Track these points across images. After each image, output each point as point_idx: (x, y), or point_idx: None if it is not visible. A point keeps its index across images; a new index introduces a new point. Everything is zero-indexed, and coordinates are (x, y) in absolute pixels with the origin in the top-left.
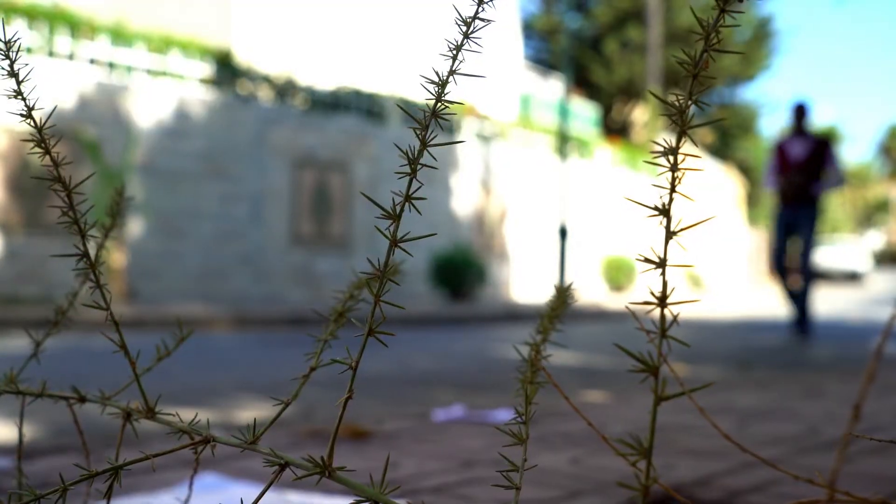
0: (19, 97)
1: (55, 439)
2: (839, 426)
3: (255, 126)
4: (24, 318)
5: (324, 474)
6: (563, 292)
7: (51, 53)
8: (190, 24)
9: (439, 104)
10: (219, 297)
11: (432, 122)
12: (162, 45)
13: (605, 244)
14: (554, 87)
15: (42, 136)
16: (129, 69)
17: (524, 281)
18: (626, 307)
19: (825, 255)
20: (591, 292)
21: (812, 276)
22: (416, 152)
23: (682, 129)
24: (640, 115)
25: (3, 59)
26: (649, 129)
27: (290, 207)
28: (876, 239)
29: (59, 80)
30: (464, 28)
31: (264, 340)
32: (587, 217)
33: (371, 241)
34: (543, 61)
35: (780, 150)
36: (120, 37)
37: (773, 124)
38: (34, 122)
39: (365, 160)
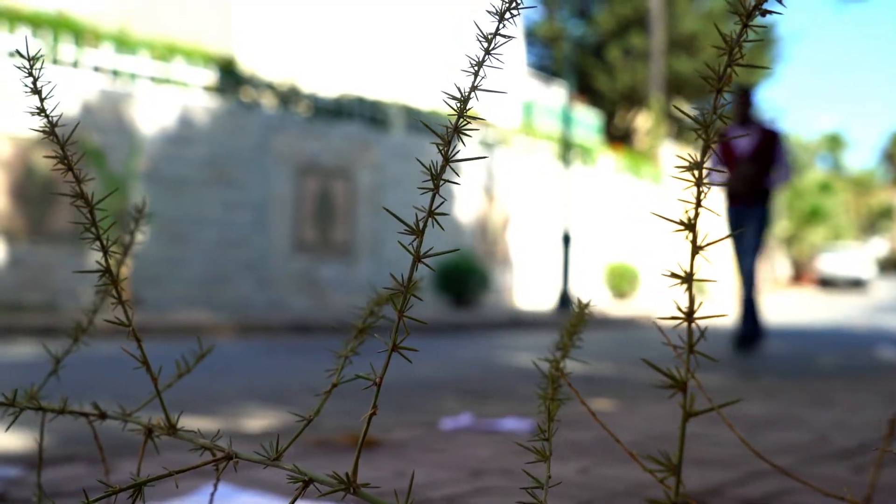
0: (42, 114)
1: (63, 448)
2: (849, 435)
3: (259, 133)
4: (28, 325)
5: (348, 491)
6: (583, 308)
7: (55, 61)
8: (193, 32)
9: (461, 119)
10: (222, 303)
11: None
12: (165, 52)
13: (607, 251)
14: (556, 94)
15: (65, 152)
16: (133, 77)
17: (527, 288)
18: (654, 322)
19: (829, 262)
20: (593, 299)
21: (754, 283)
22: (438, 167)
23: (707, 143)
24: (643, 122)
25: (26, 77)
26: (652, 136)
27: (293, 214)
28: (880, 246)
29: (63, 88)
30: (485, 44)
31: (268, 347)
32: (590, 224)
33: (374, 248)
34: (546, 68)
35: (726, 144)
36: (123, 44)
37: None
38: (57, 138)
39: (368, 167)
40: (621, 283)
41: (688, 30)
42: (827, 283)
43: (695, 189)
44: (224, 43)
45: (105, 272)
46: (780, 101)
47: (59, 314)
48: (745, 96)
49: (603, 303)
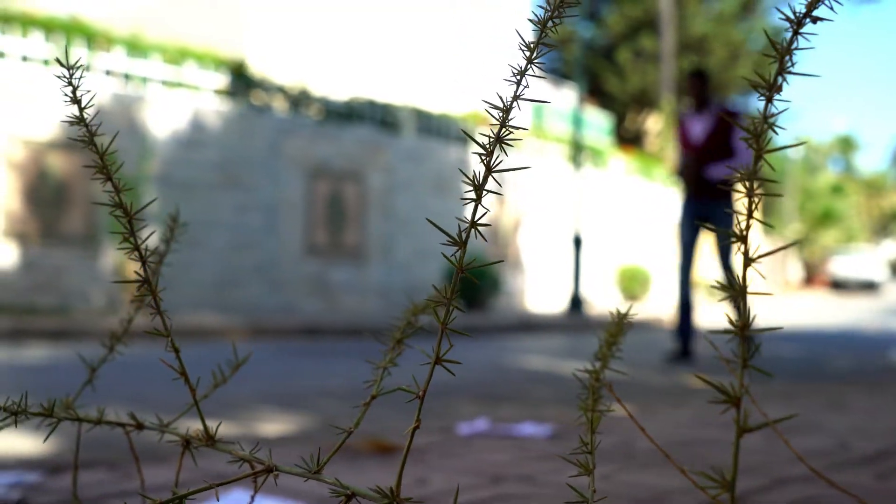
0: (81, 124)
1: (82, 453)
2: (870, 440)
3: (270, 136)
4: (41, 328)
5: None
6: (622, 317)
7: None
8: (205, 36)
9: (504, 129)
10: (234, 306)
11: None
12: (177, 56)
13: (619, 253)
14: (567, 96)
15: (104, 162)
16: (145, 80)
17: (538, 290)
18: (704, 336)
19: (841, 265)
20: (605, 302)
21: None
22: (481, 177)
23: (759, 153)
24: (654, 124)
25: (66, 86)
26: (663, 139)
27: (304, 217)
28: (892, 248)
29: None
30: (527, 53)
31: (280, 350)
32: (601, 226)
33: (385, 251)
34: (556, 70)
35: (681, 128)
36: (136, 48)
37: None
38: (96, 148)
39: (379, 170)
40: (633, 285)
41: (698, 32)
42: (839, 285)
43: (746, 200)
44: (235, 46)
45: (144, 282)
46: (792, 103)
47: (71, 317)
48: (697, 78)
49: (614, 305)
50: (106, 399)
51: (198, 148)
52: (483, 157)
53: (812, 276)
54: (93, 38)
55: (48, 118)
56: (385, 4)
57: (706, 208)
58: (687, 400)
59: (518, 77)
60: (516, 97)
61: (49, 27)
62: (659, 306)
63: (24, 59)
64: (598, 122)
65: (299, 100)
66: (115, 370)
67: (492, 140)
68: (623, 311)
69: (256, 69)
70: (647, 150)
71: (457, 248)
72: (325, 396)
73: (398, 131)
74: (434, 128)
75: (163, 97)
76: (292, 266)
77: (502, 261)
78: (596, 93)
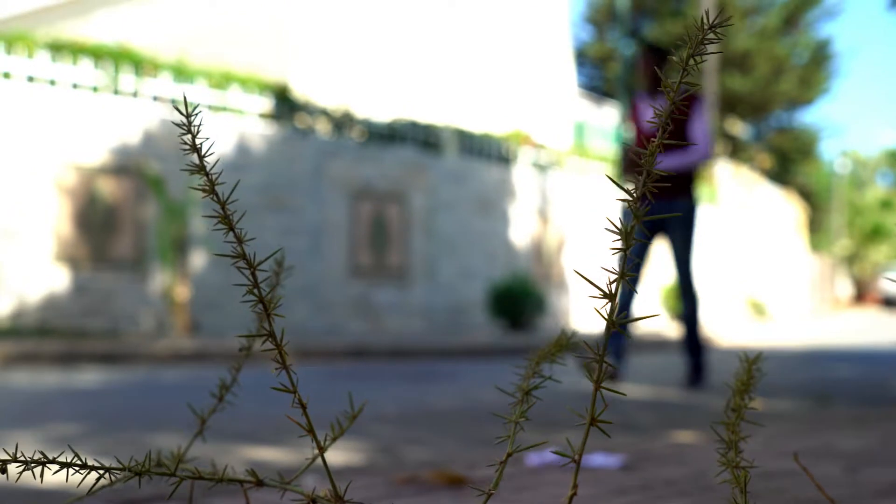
0: (202, 172)
1: (147, 484)
2: None
3: (314, 159)
4: (92, 351)
5: None
6: (751, 364)
7: (116, 91)
8: (249, 60)
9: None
10: (279, 327)
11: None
12: (222, 80)
13: (663, 272)
14: (608, 114)
15: (225, 211)
16: (192, 106)
17: (583, 310)
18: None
19: (893, 282)
20: (650, 321)
21: (696, 298)
22: (629, 227)
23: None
24: None
25: (184, 133)
26: None
27: (348, 239)
28: None
29: (124, 117)
30: (671, 94)
31: (327, 373)
32: None
33: (429, 272)
34: (597, 89)
35: (634, 115)
36: (182, 74)
37: (833, 148)
38: (217, 197)
39: (422, 191)
40: (678, 303)
41: (741, 47)
42: (891, 302)
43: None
44: (278, 70)
45: (269, 335)
46: (839, 117)
47: (121, 340)
48: (656, 52)
49: (660, 325)
50: (162, 424)
51: (242, 171)
52: (630, 204)
53: (862, 293)
54: (140, 65)
55: (98, 143)
56: (426, 27)
57: (661, 210)
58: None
59: (661, 121)
60: (658, 144)
61: (98, 54)
62: (705, 324)
63: (75, 86)
64: None
65: (342, 122)
66: (168, 394)
67: (638, 186)
68: (751, 359)
69: (300, 92)
70: None
71: (606, 300)
72: (379, 422)
73: (440, 152)
74: (476, 148)
75: (208, 121)
76: (337, 287)
77: (656, 316)
78: None
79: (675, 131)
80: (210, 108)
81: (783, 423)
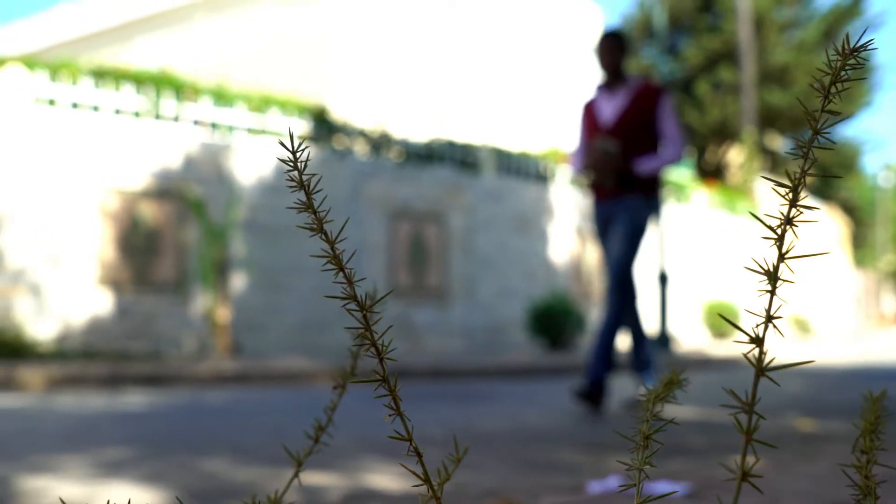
0: (310, 210)
1: None
2: None
3: (352, 180)
4: (136, 373)
5: None
6: (877, 402)
7: (157, 116)
8: (287, 83)
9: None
10: (321, 349)
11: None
12: (261, 104)
13: (705, 289)
14: None
15: (334, 251)
16: (231, 129)
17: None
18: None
19: None
20: (692, 339)
21: (624, 300)
22: (774, 267)
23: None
24: (735, 156)
25: (291, 170)
26: (746, 171)
27: (387, 259)
28: None
29: (166, 142)
30: (812, 122)
31: (367, 394)
32: (686, 261)
33: (468, 292)
34: None
35: (588, 110)
36: (222, 98)
37: (875, 161)
38: (326, 236)
39: (460, 210)
40: (721, 321)
41: (779, 62)
42: None
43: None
44: (317, 92)
45: (382, 381)
46: (881, 130)
47: (163, 362)
48: (615, 40)
49: (702, 342)
50: (209, 448)
51: (283, 194)
52: (775, 242)
53: None
54: (181, 90)
55: (140, 168)
56: (462, 47)
57: (609, 211)
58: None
59: (804, 149)
60: (804, 172)
61: (140, 80)
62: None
63: (117, 111)
64: None
65: (380, 143)
66: (212, 416)
67: (782, 222)
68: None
69: (338, 114)
70: (730, 184)
71: (752, 343)
72: (425, 444)
73: (478, 171)
74: (514, 166)
75: (248, 144)
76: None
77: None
78: None
79: (637, 128)
80: (250, 131)
81: (829, 440)
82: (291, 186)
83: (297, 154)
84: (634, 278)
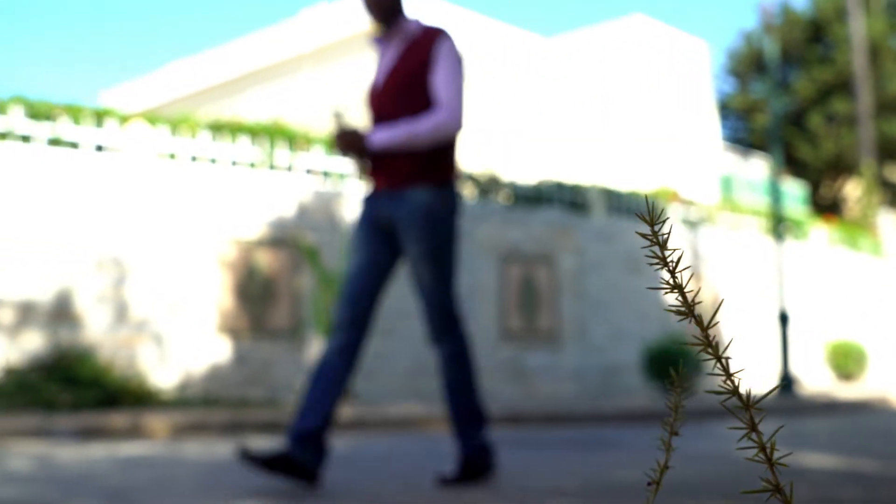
0: (676, 290)
1: None
2: None
3: (462, 223)
4: (254, 420)
5: None
6: None
7: (271, 166)
8: None
9: None
10: (432, 395)
11: None
12: None
13: (827, 329)
14: (755, 166)
15: (692, 310)
16: (342, 176)
17: (742, 370)
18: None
19: None
20: (817, 381)
21: (457, 344)
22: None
23: None
24: (852, 190)
25: (652, 244)
26: (865, 205)
27: (498, 303)
28: None
29: (280, 191)
30: None
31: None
32: (806, 300)
33: (580, 334)
34: (742, 141)
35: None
36: (332, 147)
37: None
38: (695, 318)
39: (570, 252)
40: (846, 362)
41: None
42: None
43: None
44: None
45: (752, 429)
46: None
47: (281, 409)
48: None
49: (827, 384)
50: (336, 497)
51: None
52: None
53: None
54: (293, 140)
55: (255, 217)
56: (568, 88)
57: (389, 215)
58: None
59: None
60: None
61: (254, 132)
62: (880, 384)
63: (234, 163)
64: (792, 191)
65: (488, 186)
66: (332, 464)
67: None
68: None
69: None
70: (848, 218)
71: None
72: (559, 496)
73: (587, 212)
74: (623, 206)
75: (359, 192)
76: (488, 352)
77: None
78: (787, 161)
79: (421, 87)
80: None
81: None
82: (653, 264)
83: (655, 226)
84: (459, 313)
